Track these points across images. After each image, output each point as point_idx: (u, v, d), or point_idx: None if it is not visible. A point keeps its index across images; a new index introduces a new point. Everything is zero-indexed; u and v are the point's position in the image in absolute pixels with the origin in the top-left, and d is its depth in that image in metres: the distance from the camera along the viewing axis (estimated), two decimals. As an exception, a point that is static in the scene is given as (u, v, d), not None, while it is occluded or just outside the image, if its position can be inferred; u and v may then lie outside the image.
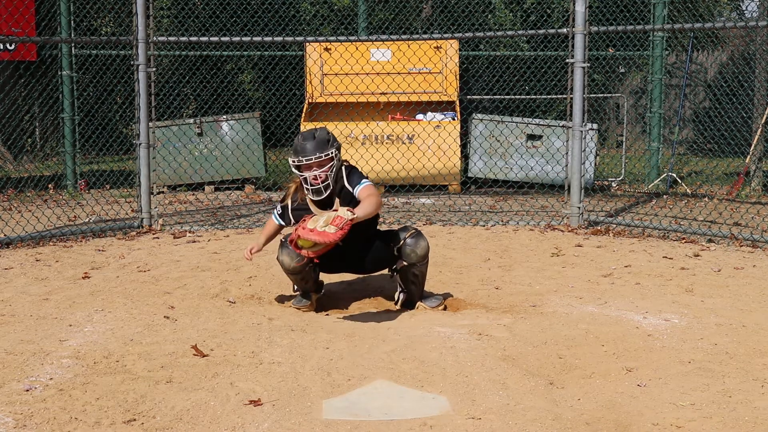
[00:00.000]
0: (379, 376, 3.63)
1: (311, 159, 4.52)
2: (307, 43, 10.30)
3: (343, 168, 4.64)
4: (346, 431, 3.06)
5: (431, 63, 10.27)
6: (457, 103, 10.34)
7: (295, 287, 4.88)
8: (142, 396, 3.36)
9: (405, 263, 4.69)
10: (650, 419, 3.15)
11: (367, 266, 4.86)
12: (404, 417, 3.19)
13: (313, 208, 4.65)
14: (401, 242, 4.67)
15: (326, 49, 10.20)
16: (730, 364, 3.75)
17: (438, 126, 9.82)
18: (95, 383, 3.49)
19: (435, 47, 10.21)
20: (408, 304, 4.86)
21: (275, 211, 4.87)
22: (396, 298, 4.89)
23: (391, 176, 9.28)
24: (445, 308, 4.85)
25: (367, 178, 4.63)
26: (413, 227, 4.83)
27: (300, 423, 3.12)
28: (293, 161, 4.56)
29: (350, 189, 4.57)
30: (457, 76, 10.40)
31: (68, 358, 3.80)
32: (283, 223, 4.84)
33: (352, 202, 4.53)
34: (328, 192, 4.57)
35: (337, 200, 4.62)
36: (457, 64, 10.40)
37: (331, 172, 4.56)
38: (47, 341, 4.06)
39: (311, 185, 4.55)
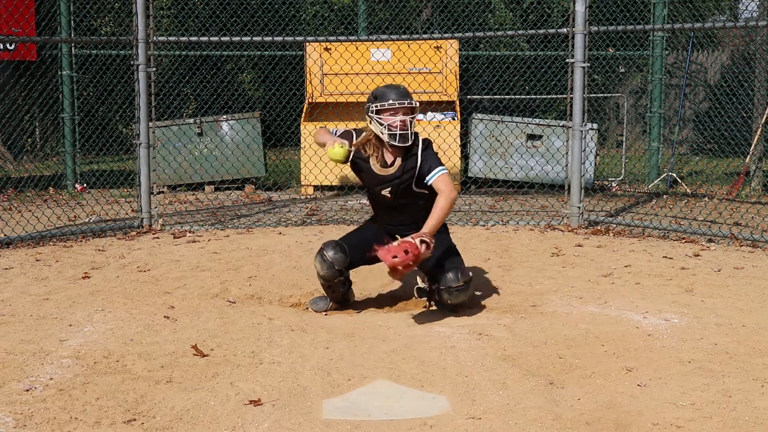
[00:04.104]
0: (379, 376, 3.63)
1: (404, 103, 4.41)
2: (307, 43, 10.31)
3: (419, 136, 4.50)
4: (346, 431, 3.06)
5: (431, 63, 10.27)
6: (457, 102, 10.34)
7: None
8: (142, 396, 3.36)
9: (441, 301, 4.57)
10: (650, 419, 3.15)
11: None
12: (404, 417, 3.20)
13: (372, 164, 4.50)
14: (443, 282, 4.48)
15: (326, 49, 10.20)
16: (730, 364, 3.75)
17: (438, 126, 9.82)
18: (95, 383, 3.49)
19: (435, 47, 10.21)
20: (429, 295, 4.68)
21: (334, 130, 4.68)
22: (425, 286, 4.61)
23: (391, 176, 9.26)
24: None
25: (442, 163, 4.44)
26: (462, 272, 4.51)
27: (300, 423, 3.12)
28: (385, 103, 4.39)
29: (419, 161, 4.41)
30: (457, 76, 10.40)
31: (68, 358, 3.80)
32: (344, 141, 4.50)
33: (414, 174, 4.44)
34: (410, 142, 4.41)
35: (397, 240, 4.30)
36: (457, 64, 10.39)
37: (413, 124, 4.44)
38: (47, 341, 4.06)
39: (399, 130, 4.37)
